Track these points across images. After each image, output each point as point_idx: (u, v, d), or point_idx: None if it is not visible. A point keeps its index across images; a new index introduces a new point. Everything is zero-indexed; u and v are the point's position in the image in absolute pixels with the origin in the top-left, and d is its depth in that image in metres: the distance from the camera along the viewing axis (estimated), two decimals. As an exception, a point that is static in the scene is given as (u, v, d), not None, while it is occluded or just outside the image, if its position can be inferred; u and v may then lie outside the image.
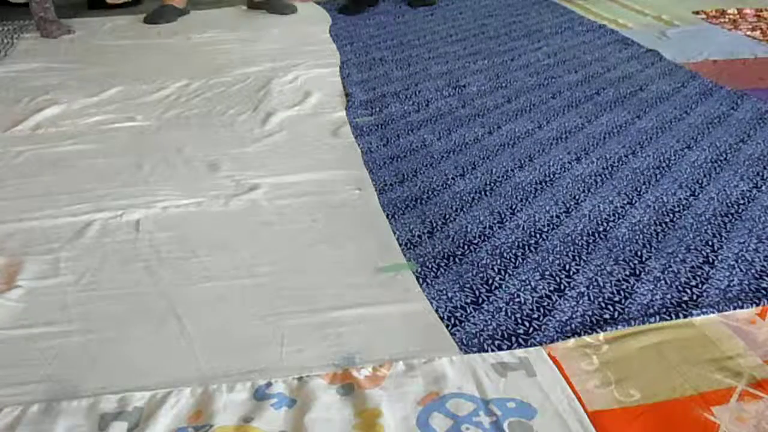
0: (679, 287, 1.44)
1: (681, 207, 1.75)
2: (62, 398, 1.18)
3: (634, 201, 1.78)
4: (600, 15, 3.59)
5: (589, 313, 1.38)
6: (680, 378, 1.20)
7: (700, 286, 1.45)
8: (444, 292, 1.45)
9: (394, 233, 1.66)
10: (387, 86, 2.64)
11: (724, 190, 1.82)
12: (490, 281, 1.48)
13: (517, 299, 1.42)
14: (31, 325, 1.37)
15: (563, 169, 1.96)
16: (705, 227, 1.65)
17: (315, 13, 3.77)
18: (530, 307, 1.40)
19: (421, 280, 1.49)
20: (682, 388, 1.18)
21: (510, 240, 1.63)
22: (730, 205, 1.75)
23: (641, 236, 1.63)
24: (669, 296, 1.42)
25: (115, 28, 3.47)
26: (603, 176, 1.91)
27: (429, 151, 2.09)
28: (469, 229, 1.67)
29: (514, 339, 1.31)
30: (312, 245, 1.62)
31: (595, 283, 1.46)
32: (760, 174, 1.90)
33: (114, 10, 3.61)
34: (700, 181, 1.87)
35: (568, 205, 1.77)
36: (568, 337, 1.30)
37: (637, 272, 1.49)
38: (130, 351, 1.30)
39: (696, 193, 1.81)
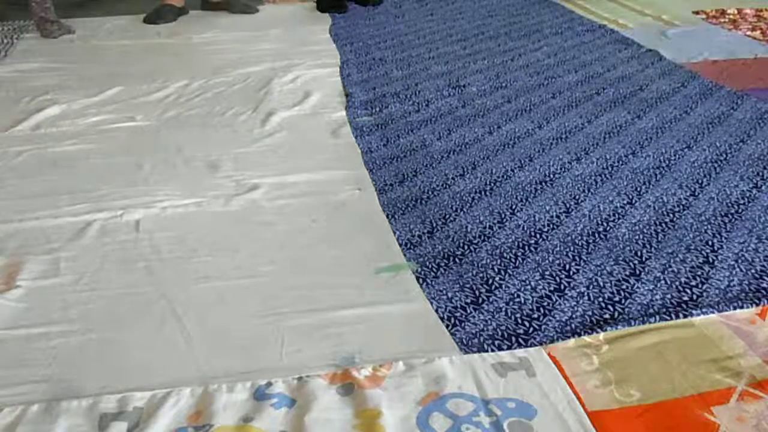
0: (679, 287, 1.44)
1: (681, 207, 1.75)
2: (62, 398, 1.18)
3: (634, 201, 1.78)
4: (600, 15, 3.59)
5: (589, 313, 1.38)
6: (680, 378, 1.20)
7: (700, 286, 1.45)
8: (444, 292, 1.45)
9: (394, 233, 1.66)
10: (387, 86, 2.64)
11: (724, 190, 1.82)
12: (490, 281, 1.48)
13: (517, 299, 1.42)
14: (31, 325, 1.37)
15: (563, 169, 1.96)
16: (705, 227, 1.65)
17: (315, 13, 3.76)
18: (530, 307, 1.40)
19: (421, 280, 1.49)
20: (682, 388, 1.18)
21: (510, 240, 1.63)
22: (730, 205, 1.75)
23: (641, 236, 1.63)
24: (669, 296, 1.42)
25: (115, 28, 3.47)
26: (603, 176, 1.91)
27: (429, 151, 2.09)
28: (469, 229, 1.67)
29: (514, 339, 1.31)
30: (312, 245, 1.62)
31: (595, 283, 1.46)
32: (760, 174, 1.90)
33: (114, 10, 3.61)
34: (700, 181, 1.87)
35: (568, 205, 1.77)
36: (568, 337, 1.30)
37: (637, 272, 1.49)
38: (130, 351, 1.30)
39: (696, 193, 1.81)
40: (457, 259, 1.56)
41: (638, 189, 1.84)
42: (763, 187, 1.83)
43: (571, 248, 1.59)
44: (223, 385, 1.20)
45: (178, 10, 3.62)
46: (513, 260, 1.55)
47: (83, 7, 3.84)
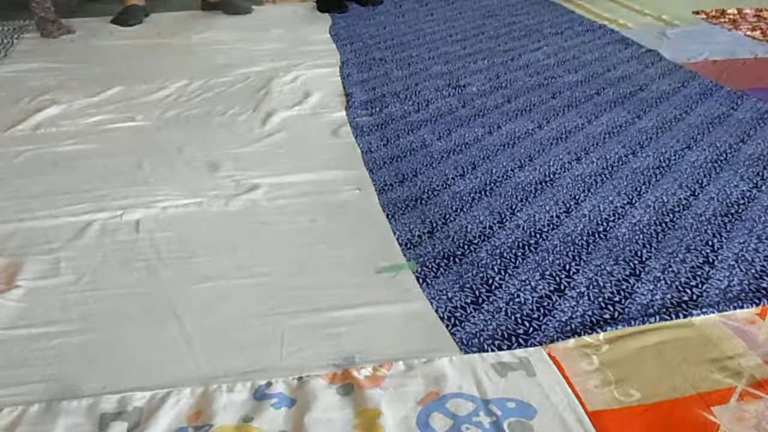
0: (679, 287, 1.44)
1: (681, 207, 1.75)
2: (62, 398, 1.18)
3: (634, 201, 1.78)
4: (600, 15, 3.59)
5: (589, 313, 1.38)
6: (680, 378, 1.20)
7: (700, 286, 1.45)
8: (444, 292, 1.45)
9: (394, 233, 1.66)
10: (387, 86, 2.64)
11: (724, 190, 1.82)
12: (490, 281, 1.48)
13: (517, 299, 1.42)
14: (31, 325, 1.37)
15: (563, 169, 1.96)
16: (705, 227, 1.65)
17: (315, 13, 3.77)
18: (530, 307, 1.40)
19: (421, 280, 1.49)
20: (682, 388, 1.18)
21: (510, 240, 1.63)
22: (730, 205, 1.75)
23: (641, 236, 1.63)
24: (669, 296, 1.42)
25: (115, 28, 3.47)
26: (603, 176, 1.91)
27: (429, 151, 2.09)
28: (469, 229, 1.67)
29: (514, 339, 1.31)
30: (312, 245, 1.62)
31: (595, 283, 1.46)
32: (760, 174, 1.90)
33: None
34: (700, 181, 1.87)
35: (568, 205, 1.77)
36: (568, 337, 1.30)
37: (637, 272, 1.49)
38: (130, 351, 1.30)
39: (696, 193, 1.81)
40: (457, 259, 1.56)
41: (638, 189, 1.84)
42: (763, 187, 1.83)
43: (571, 248, 1.59)
44: (223, 385, 1.20)
45: (144, 9, 3.62)
46: (513, 260, 1.55)
47: (83, 7, 3.84)
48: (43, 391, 1.20)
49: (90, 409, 1.15)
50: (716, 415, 1.12)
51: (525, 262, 1.54)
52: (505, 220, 1.71)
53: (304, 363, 1.26)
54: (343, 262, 1.55)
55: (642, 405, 1.15)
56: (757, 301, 1.38)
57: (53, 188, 1.89)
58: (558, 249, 1.59)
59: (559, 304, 1.40)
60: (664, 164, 1.97)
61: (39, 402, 1.17)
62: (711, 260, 1.53)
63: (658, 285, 1.45)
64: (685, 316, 1.35)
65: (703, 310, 1.36)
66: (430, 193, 1.85)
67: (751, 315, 1.35)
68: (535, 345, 1.29)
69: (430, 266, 1.53)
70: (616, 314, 1.37)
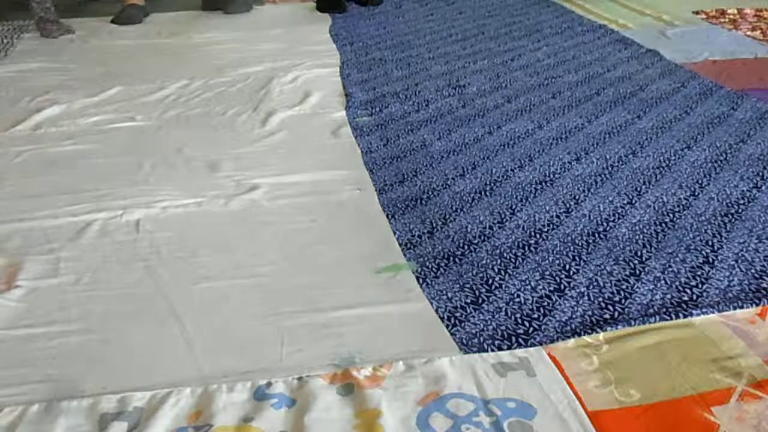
0: (679, 287, 1.44)
1: (681, 207, 1.75)
2: (62, 398, 1.18)
3: (634, 201, 1.78)
4: (600, 15, 3.59)
5: (589, 313, 1.38)
6: (680, 378, 1.20)
7: (700, 286, 1.45)
8: (444, 292, 1.45)
9: (394, 233, 1.66)
10: (387, 86, 2.64)
11: (724, 190, 1.82)
12: (490, 281, 1.48)
13: (517, 299, 1.42)
14: (31, 325, 1.37)
15: (563, 169, 1.96)
16: (705, 227, 1.65)
17: (315, 13, 3.77)
18: (530, 307, 1.40)
19: (421, 280, 1.49)
20: (682, 388, 1.18)
21: (510, 240, 1.63)
22: (730, 205, 1.75)
23: (641, 236, 1.63)
24: (669, 296, 1.42)
25: (115, 28, 3.48)
26: (603, 176, 1.91)
27: (429, 151, 2.09)
28: (469, 229, 1.67)
29: (514, 339, 1.31)
30: (312, 245, 1.62)
31: (595, 283, 1.46)
32: (760, 174, 1.90)
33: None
34: (700, 181, 1.87)
35: (568, 205, 1.77)
36: (568, 337, 1.30)
37: (637, 272, 1.49)
38: (130, 351, 1.30)
39: (696, 193, 1.81)
40: (457, 259, 1.56)
41: (638, 189, 1.84)
42: (763, 187, 1.83)
43: (571, 248, 1.59)
44: (223, 385, 1.20)
45: (143, 9, 3.62)
46: (513, 260, 1.55)
47: (83, 7, 3.84)
48: (43, 391, 1.20)
49: (90, 409, 1.15)
50: (716, 415, 1.12)
51: (525, 262, 1.54)
52: (505, 220, 1.71)
53: (304, 363, 1.26)
54: (343, 262, 1.55)
55: (642, 405, 1.15)
56: (757, 301, 1.38)
57: (53, 188, 1.89)
58: (558, 249, 1.59)
59: (559, 304, 1.40)
60: (664, 164, 1.97)
61: (39, 402, 1.17)
62: (711, 260, 1.53)
63: (658, 285, 1.45)
64: (685, 316, 1.35)
65: (703, 310, 1.36)
66: (430, 193, 1.85)
67: (751, 315, 1.35)
68: (535, 345, 1.29)
69: (430, 266, 1.53)
70: (616, 314, 1.37)
